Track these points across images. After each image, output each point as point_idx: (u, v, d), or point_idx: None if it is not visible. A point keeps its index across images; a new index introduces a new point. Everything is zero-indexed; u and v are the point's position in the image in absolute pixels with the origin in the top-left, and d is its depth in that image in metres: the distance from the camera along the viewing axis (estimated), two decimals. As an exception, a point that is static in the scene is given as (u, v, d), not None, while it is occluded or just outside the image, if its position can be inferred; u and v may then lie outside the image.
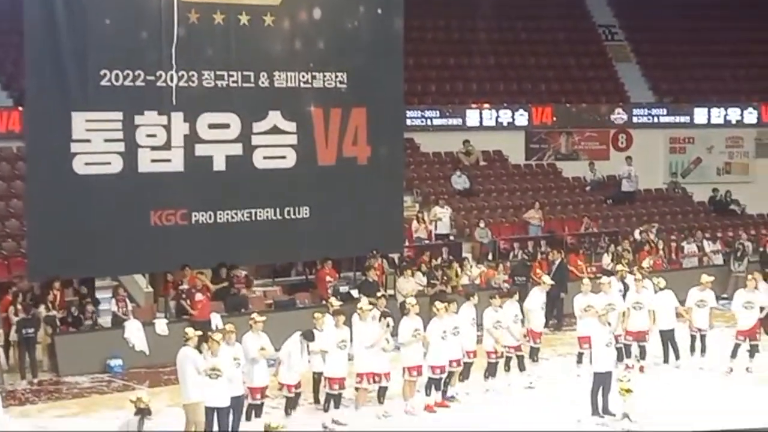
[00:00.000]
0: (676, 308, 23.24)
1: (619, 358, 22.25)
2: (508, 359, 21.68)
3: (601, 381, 19.43)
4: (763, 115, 39.56)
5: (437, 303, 20.86)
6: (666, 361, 23.37)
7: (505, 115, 38.01)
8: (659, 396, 20.76)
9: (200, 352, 17.30)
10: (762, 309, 22.99)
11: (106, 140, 23.94)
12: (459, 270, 28.83)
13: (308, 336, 19.13)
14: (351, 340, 19.77)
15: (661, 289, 23.15)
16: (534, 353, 22.70)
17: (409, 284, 26.75)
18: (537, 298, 22.80)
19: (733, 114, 39.54)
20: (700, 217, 37.37)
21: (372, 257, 27.27)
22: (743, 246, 32.67)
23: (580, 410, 19.76)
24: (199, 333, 17.75)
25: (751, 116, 39.57)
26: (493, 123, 37.91)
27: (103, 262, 24.33)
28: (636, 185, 37.34)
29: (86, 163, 23.73)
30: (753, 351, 22.84)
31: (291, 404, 19.22)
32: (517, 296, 22.05)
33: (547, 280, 23.42)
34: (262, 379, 18.61)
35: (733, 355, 22.80)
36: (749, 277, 24.02)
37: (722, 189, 38.16)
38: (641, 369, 22.73)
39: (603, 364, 19.52)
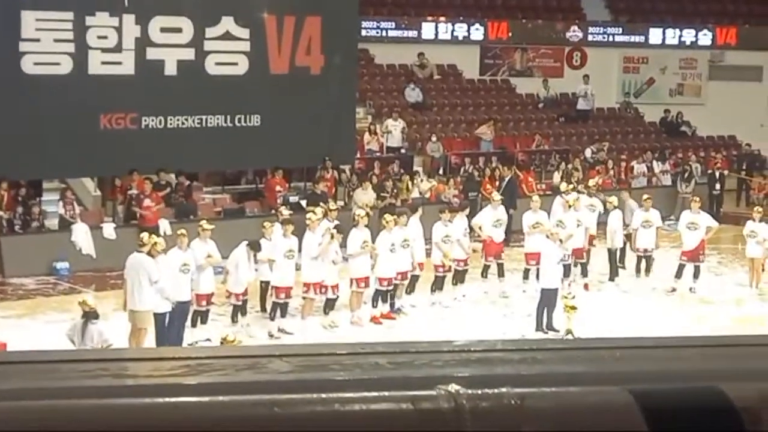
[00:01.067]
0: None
1: (566, 275, 22.43)
2: (457, 273, 21.80)
3: (548, 297, 19.62)
4: (718, 38, 39.61)
5: (386, 216, 20.90)
6: (612, 279, 23.59)
7: (460, 29, 37.76)
8: (603, 314, 20.97)
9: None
10: (708, 230, 23.19)
11: (56, 40, 23.61)
12: (410, 183, 28.84)
13: (254, 246, 19.11)
14: (299, 250, 19.79)
15: (615, 208, 23.28)
16: (485, 270, 22.80)
17: (367, 196, 26.64)
18: (487, 214, 22.87)
19: (688, 35, 39.54)
20: (650, 137, 37.53)
21: (323, 168, 27.18)
22: (690, 167, 32.94)
23: (526, 325, 19.97)
24: (155, 238, 17.77)
25: (705, 38, 39.60)
26: (448, 36, 37.68)
27: (50, 164, 24.13)
28: (591, 104, 37.39)
29: (35, 63, 23.41)
30: (696, 272, 23.09)
31: (238, 312, 19.25)
32: (467, 211, 22.12)
33: (496, 196, 23.49)
34: (208, 286, 18.61)
35: (678, 275, 23.05)
36: (695, 198, 24.24)
37: (674, 110, 38.30)
38: (585, 287, 22.93)
39: (550, 280, 19.71)
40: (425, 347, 2.12)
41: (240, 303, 19.19)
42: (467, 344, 2.12)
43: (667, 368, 2.03)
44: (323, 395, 1.68)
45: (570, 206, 22.84)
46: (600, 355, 2.08)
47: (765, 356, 2.10)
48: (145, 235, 17.79)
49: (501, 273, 22.74)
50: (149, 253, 17.29)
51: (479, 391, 1.71)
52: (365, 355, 2.02)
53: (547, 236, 20.65)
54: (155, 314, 17.24)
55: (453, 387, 1.71)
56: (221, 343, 15.20)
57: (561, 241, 20.29)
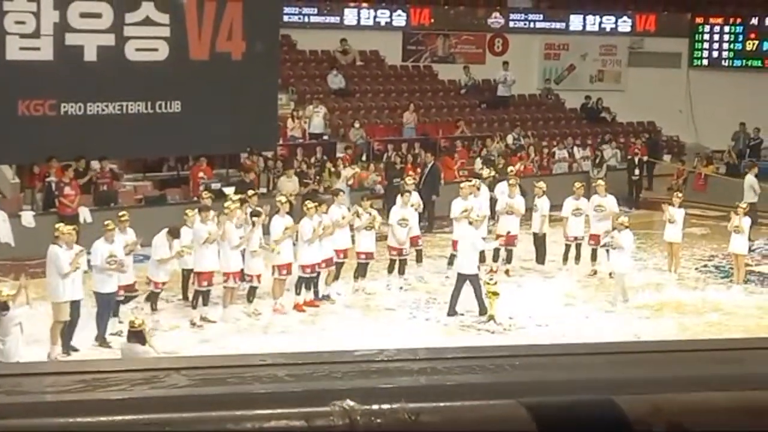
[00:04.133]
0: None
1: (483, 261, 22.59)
2: (392, 261, 21.86)
3: (463, 282, 19.79)
4: (637, 24, 40.02)
5: (308, 202, 20.89)
6: (540, 262, 23.69)
7: (383, 15, 37.75)
8: (526, 300, 21.13)
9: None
10: (611, 215, 23.38)
11: (-28, 26, 23.23)
12: (332, 170, 28.80)
13: (174, 232, 18.99)
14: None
15: (544, 194, 23.42)
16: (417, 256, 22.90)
17: (291, 184, 26.50)
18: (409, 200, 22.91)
19: (608, 22, 39.91)
20: (571, 123, 37.85)
21: (249, 156, 27.05)
22: (602, 152, 33.32)
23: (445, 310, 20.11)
24: (72, 228, 17.65)
25: (625, 25, 39.99)
26: (370, 22, 37.65)
27: (-33, 151, 23.76)
28: (511, 90, 37.57)
29: (-49, 49, 23.03)
30: (608, 256, 23.33)
31: (156, 300, 19.14)
32: (406, 198, 22.21)
33: (410, 181, 23.66)
34: (128, 277, 18.50)
35: (593, 258, 23.30)
36: (599, 183, 24.45)
37: (594, 96, 38.65)
38: (507, 272, 23.07)
39: (470, 266, 19.89)
40: (326, 358, 2.13)
41: (159, 291, 19.08)
42: (368, 354, 2.13)
43: (564, 378, 2.05)
44: (215, 414, 1.68)
45: (478, 190, 23.11)
46: (499, 364, 2.10)
47: (657, 365, 2.13)
48: (60, 225, 17.70)
49: (419, 259, 22.86)
50: (63, 244, 17.18)
51: (375, 407, 1.71)
52: (265, 367, 2.02)
53: (470, 222, 20.85)
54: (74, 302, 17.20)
55: (348, 403, 1.71)
56: (129, 327, 15.16)
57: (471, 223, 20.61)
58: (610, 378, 2.03)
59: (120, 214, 19.07)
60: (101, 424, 1.64)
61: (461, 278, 19.94)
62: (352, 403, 1.70)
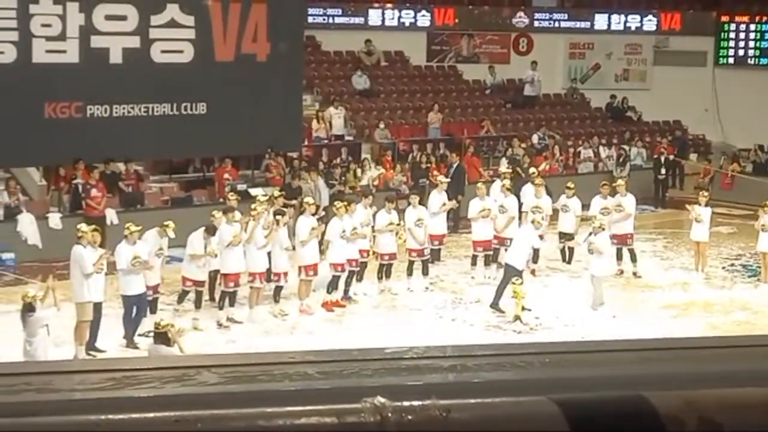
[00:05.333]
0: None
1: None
2: (411, 263, 21.83)
3: (512, 275, 19.86)
4: (663, 23, 39.88)
5: (336, 202, 20.92)
6: (568, 262, 23.64)
7: (407, 16, 37.76)
8: (552, 300, 21.08)
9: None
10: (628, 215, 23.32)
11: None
12: (358, 171, 28.82)
13: (211, 230, 19.10)
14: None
15: (574, 194, 23.37)
16: (435, 255, 22.85)
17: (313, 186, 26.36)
18: (435, 199, 22.90)
19: (633, 21, 39.78)
20: (596, 122, 37.73)
21: (270, 157, 27.10)
22: (625, 151, 33.21)
23: (475, 311, 20.06)
24: (94, 228, 17.75)
25: (650, 23, 39.86)
26: (395, 23, 37.66)
27: (-6, 153, 23.88)
28: (538, 90, 37.50)
29: (-22, 52, 23.16)
30: (632, 256, 23.27)
31: (185, 298, 19.24)
32: (417, 199, 22.18)
33: (442, 179, 23.62)
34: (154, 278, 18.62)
35: (619, 257, 23.23)
36: (620, 182, 24.33)
37: (619, 95, 38.52)
38: (533, 272, 23.00)
39: (520, 262, 20.13)
40: (355, 355, 2.12)
41: (191, 290, 19.16)
42: (397, 351, 2.13)
43: (595, 375, 2.04)
44: (247, 411, 1.67)
45: (508, 190, 23.11)
46: (529, 361, 2.09)
47: (688, 361, 2.11)
48: (81, 225, 17.81)
49: (438, 258, 22.86)
50: (86, 244, 17.27)
51: (405, 404, 1.71)
52: (294, 365, 2.02)
53: (533, 222, 21.14)
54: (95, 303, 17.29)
55: (379, 400, 1.71)
56: (154, 328, 15.23)
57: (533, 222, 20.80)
58: (640, 374, 2.02)
59: (126, 225, 18.75)
60: (132, 421, 1.64)
61: (510, 270, 19.94)
62: (383, 400, 1.70)
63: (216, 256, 19.22)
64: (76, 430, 1.61)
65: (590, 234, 21.12)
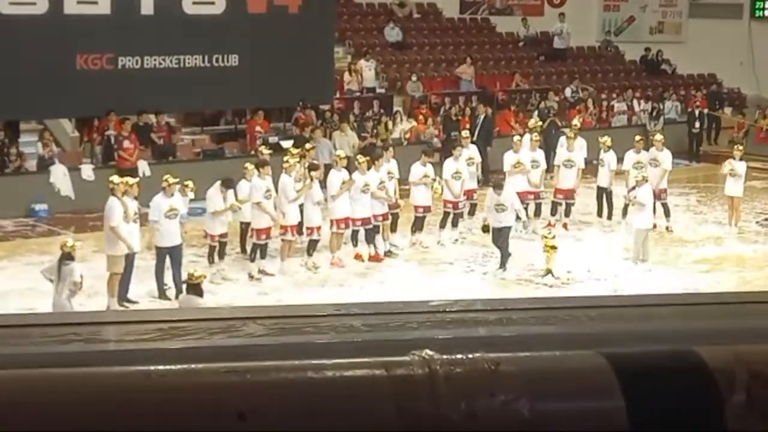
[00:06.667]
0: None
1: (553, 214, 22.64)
2: (446, 215, 21.81)
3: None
4: (698, -25, 39.50)
5: (359, 156, 20.87)
6: (600, 215, 23.55)
7: (440, -33, 37.48)
8: (584, 254, 21.02)
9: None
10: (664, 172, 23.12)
11: (31, -20, 23.36)
12: (390, 123, 28.75)
13: (227, 183, 19.04)
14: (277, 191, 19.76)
15: (610, 148, 23.21)
16: (471, 209, 22.82)
17: (347, 138, 26.37)
18: (464, 154, 22.82)
19: (668, -28, 39.41)
20: (631, 76, 37.45)
21: (300, 109, 27.08)
22: (659, 105, 32.97)
23: (506, 265, 20.07)
24: (127, 180, 17.84)
25: (685, -24, 39.48)
26: (427, -26, 37.40)
27: (27, 105, 23.95)
28: (567, 43, 37.20)
29: (11, 3, 23.21)
30: (666, 210, 23.09)
31: (213, 253, 19.22)
32: (459, 151, 22.16)
33: (465, 134, 23.62)
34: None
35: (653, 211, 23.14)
36: (656, 136, 24.09)
37: (654, 48, 38.20)
38: (565, 226, 22.95)
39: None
40: (401, 308, 2.12)
41: (216, 244, 19.16)
42: (442, 305, 2.11)
43: (642, 329, 2.03)
44: (296, 362, 1.67)
45: (538, 143, 23.04)
46: (575, 315, 2.08)
47: (739, 315, 2.09)
48: (113, 177, 17.92)
49: (472, 212, 22.76)
50: (119, 194, 17.32)
51: (453, 356, 1.70)
52: (340, 317, 2.01)
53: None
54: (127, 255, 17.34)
55: (427, 352, 1.70)
56: (188, 278, 15.27)
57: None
58: (687, 328, 2.00)
59: (164, 177, 18.68)
60: (182, 371, 1.64)
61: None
62: (431, 353, 1.69)
63: (236, 210, 19.17)
64: (126, 381, 1.61)
65: (633, 188, 20.99)
